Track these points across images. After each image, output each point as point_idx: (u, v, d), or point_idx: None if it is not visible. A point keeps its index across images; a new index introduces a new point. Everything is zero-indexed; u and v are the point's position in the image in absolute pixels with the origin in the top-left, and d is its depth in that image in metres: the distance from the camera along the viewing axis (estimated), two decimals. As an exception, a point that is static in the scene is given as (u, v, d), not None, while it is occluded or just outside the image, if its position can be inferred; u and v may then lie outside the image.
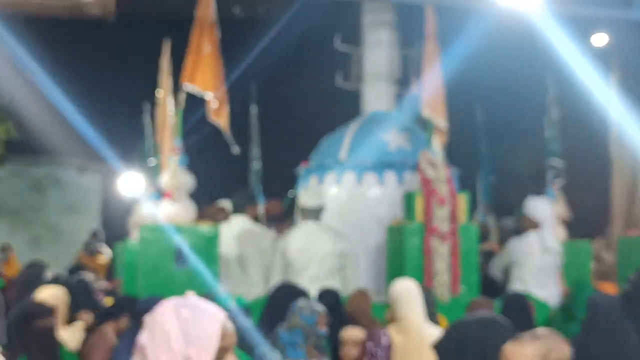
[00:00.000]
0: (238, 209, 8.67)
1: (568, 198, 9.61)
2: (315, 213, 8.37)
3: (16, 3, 7.77)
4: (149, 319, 2.43)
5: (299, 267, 8.09)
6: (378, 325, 6.54)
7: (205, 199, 8.90)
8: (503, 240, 9.41)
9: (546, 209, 8.83)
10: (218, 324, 2.40)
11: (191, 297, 2.55)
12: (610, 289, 8.60)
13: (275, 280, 7.82)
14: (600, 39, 11.56)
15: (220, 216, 9.02)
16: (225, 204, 9.59)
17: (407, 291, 6.09)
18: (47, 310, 5.83)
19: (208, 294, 6.96)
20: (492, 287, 8.61)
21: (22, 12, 8.05)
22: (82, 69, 10.02)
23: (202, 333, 2.36)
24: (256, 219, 8.75)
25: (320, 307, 5.64)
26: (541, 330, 3.06)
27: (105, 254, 12.51)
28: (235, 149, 9.63)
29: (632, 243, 8.68)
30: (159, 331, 2.35)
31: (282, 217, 9.74)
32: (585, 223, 10.44)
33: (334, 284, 7.63)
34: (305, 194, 8.76)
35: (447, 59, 8.90)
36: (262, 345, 5.37)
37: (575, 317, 6.91)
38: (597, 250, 9.74)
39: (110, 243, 12.98)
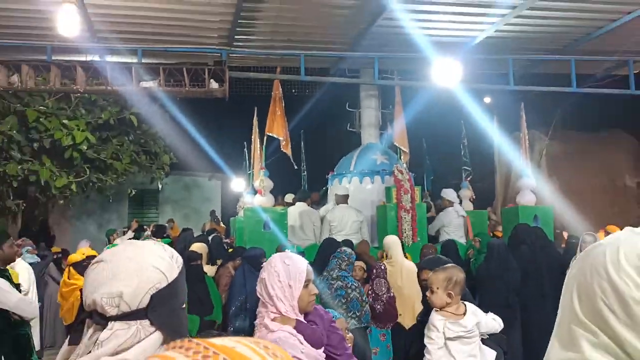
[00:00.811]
0: (298, 199, 8.63)
1: (473, 186, 9.56)
2: (344, 198, 8.38)
3: (175, 91, 7.91)
4: (266, 265, 2.41)
5: (336, 230, 8.07)
6: (374, 259, 6.60)
7: (278, 194, 8.88)
8: (437, 212, 9.32)
9: (453, 194, 8.84)
10: (305, 266, 2.39)
11: (288, 252, 2.57)
12: (499, 235, 8.72)
13: (323, 237, 7.78)
14: (487, 99, 11.46)
15: (285, 204, 9.07)
16: (289, 197, 9.67)
17: (394, 241, 6.34)
18: (197, 256, 5.95)
19: (282, 245, 7.26)
20: (432, 238, 8.62)
21: (178, 95, 8.18)
22: (211, 125, 10.09)
23: (297, 271, 2.34)
24: (308, 204, 8.65)
25: (349, 250, 5.58)
26: (448, 264, 3.00)
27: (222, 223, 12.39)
28: (297, 166, 9.81)
29: (510, 212, 8.60)
30: (273, 271, 2.33)
31: (320, 202, 9.62)
32: (481, 200, 10.39)
33: (355, 237, 7.67)
34: (338, 188, 8.72)
35: (407, 114, 9.03)
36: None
37: (482, 252, 6.92)
38: (489, 215, 9.79)
39: (226, 218, 13.01)
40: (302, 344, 2.25)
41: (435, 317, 2.82)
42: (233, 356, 0.58)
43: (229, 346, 0.60)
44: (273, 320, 2.27)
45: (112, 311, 1.12)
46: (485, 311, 3.00)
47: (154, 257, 1.20)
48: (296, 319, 2.30)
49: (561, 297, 0.92)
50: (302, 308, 2.34)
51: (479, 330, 2.84)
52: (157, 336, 1.16)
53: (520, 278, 6.11)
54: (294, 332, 2.26)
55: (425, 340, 2.83)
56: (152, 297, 1.16)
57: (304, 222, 8.19)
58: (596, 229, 7.26)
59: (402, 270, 5.99)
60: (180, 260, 1.28)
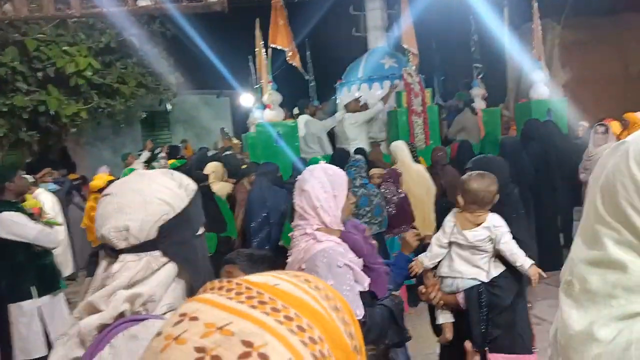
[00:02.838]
0: (300, 111, 8.52)
1: (484, 84, 9.38)
2: (356, 103, 8.17)
3: (174, 7, 7.63)
4: (307, 177, 2.33)
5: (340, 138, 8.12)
6: (388, 164, 6.51)
7: (287, 106, 8.70)
8: (449, 112, 9.19)
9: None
10: (345, 175, 2.37)
11: (325, 163, 2.54)
12: (512, 132, 8.71)
13: (327, 147, 7.89)
14: None
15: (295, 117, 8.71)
16: (295, 109, 9.29)
17: (399, 145, 6.29)
18: (204, 177, 5.74)
19: (295, 161, 7.27)
20: (445, 140, 8.59)
21: (175, 10, 7.90)
22: (214, 40, 9.80)
23: (340, 179, 2.32)
24: (313, 114, 8.55)
25: (362, 157, 5.63)
26: (488, 172, 2.70)
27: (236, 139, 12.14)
28: (307, 76, 9.61)
29: (522, 107, 8.44)
30: (317, 183, 2.28)
31: (332, 113, 9.34)
32: (494, 97, 10.11)
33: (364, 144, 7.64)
34: (347, 97, 8.61)
35: (414, 13, 8.55)
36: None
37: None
38: (502, 112, 9.62)
39: (238, 134, 12.90)
40: (348, 252, 2.26)
41: (448, 219, 2.77)
42: (277, 294, 0.55)
43: (271, 284, 0.57)
44: (317, 230, 2.25)
45: (120, 244, 1.12)
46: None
47: (159, 188, 1.18)
48: (340, 230, 2.29)
49: (585, 199, 0.90)
50: (343, 218, 2.33)
51: (494, 246, 2.66)
52: (171, 267, 1.16)
53: (534, 172, 6.08)
54: (341, 241, 2.26)
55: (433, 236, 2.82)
56: (160, 228, 1.14)
57: (307, 134, 8.08)
58: (612, 118, 7.14)
59: (410, 173, 5.96)
60: (191, 187, 1.24)
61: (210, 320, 0.52)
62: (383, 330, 2.35)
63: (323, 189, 2.26)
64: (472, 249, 2.66)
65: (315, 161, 6.70)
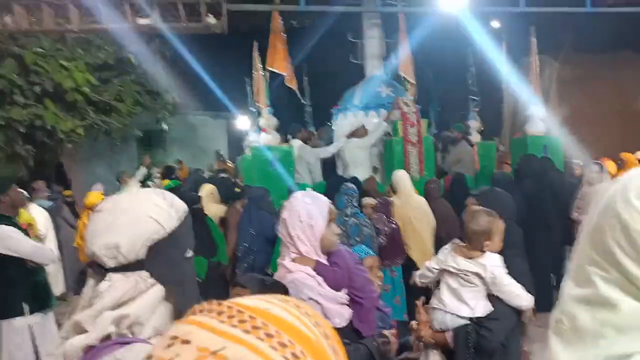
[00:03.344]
0: (291, 136, 8.48)
1: (481, 116, 9.36)
2: (364, 131, 8.23)
3: (173, 27, 7.68)
4: (287, 204, 2.30)
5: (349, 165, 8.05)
6: (381, 194, 6.49)
7: (284, 131, 8.65)
8: (444, 144, 9.11)
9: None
10: (327, 205, 2.29)
11: (310, 191, 2.46)
12: (506, 167, 8.47)
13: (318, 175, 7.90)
14: (495, 23, 11.00)
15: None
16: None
17: (401, 175, 6.27)
18: (197, 199, 5.74)
19: (290, 186, 7.17)
20: (439, 172, 8.50)
21: (177, 32, 7.95)
22: (212, 62, 9.76)
23: (318, 210, 2.24)
24: (306, 140, 8.50)
25: (353, 185, 5.53)
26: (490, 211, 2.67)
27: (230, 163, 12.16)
28: (304, 100, 9.60)
29: (518, 142, 8.43)
30: (294, 211, 2.23)
31: (326, 138, 9.38)
32: (489, 130, 10.16)
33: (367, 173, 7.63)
34: (344, 123, 8.58)
35: (412, 43, 8.58)
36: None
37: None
38: (497, 146, 9.53)
39: (232, 157, 12.79)
40: (320, 285, 2.17)
41: (445, 247, 2.74)
42: (269, 319, 0.54)
43: (262, 308, 0.56)
44: (293, 260, 2.20)
45: (110, 262, 1.12)
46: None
47: (151, 206, 1.17)
48: (316, 260, 2.21)
49: (578, 242, 0.90)
50: (326, 248, 2.25)
51: (487, 286, 2.60)
52: (158, 289, 1.15)
53: (526, 210, 5.98)
54: (313, 273, 2.18)
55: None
56: (149, 248, 1.14)
57: (297, 160, 8.02)
58: (608, 156, 7.09)
59: (410, 203, 5.91)
60: (182, 208, 1.24)
61: (204, 345, 0.50)
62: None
63: (299, 218, 2.20)
64: (461, 279, 2.59)
65: (303, 188, 6.73)
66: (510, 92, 10.05)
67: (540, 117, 8.19)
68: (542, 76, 9.53)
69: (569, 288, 0.88)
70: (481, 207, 2.73)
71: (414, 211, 5.84)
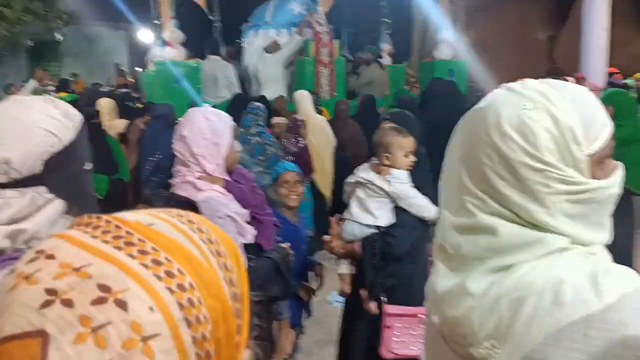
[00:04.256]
0: (210, 51, 8.08)
1: (392, 40, 9.38)
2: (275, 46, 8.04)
3: None
4: (185, 121, 2.18)
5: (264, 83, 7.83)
6: (291, 114, 6.27)
7: (189, 46, 8.19)
8: (355, 65, 9.00)
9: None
10: (230, 122, 2.21)
11: (209, 107, 2.34)
12: (415, 91, 8.50)
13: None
14: None
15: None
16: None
17: (302, 95, 6.19)
18: (94, 113, 5.30)
19: (194, 101, 6.99)
20: (350, 93, 8.43)
21: None
22: None
23: (223, 127, 2.17)
24: (222, 56, 8.20)
25: (262, 105, 5.37)
26: (398, 127, 2.74)
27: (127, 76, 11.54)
28: (212, 16, 9.13)
29: (426, 66, 8.55)
30: (196, 128, 2.13)
31: (236, 57, 8.94)
32: (400, 54, 10.06)
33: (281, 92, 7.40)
34: (254, 41, 8.30)
35: None
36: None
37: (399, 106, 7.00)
38: (406, 69, 9.64)
39: (134, 71, 12.02)
40: (232, 202, 2.14)
41: (365, 164, 2.76)
42: (149, 236, 0.49)
43: (145, 223, 0.51)
44: (199, 179, 2.12)
45: (1, 179, 1.03)
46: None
47: (43, 117, 1.06)
48: (224, 179, 2.16)
49: (445, 164, 0.94)
50: (228, 167, 2.19)
51: (393, 198, 2.65)
52: (58, 203, 1.08)
53: (430, 132, 6.22)
54: (224, 191, 2.13)
55: None
56: (45, 162, 1.05)
57: (217, 77, 7.75)
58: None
59: (310, 124, 5.84)
60: (78, 118, 1.14)
61: (68, 260, 0.46)
62: (265, 284, 2.26)
63: (202, 135, 2.12)
64: (368, 189, 2.66)
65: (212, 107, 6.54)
66: (420, 16, 10.08)
67: (449, 42, 8.34)
68: (452, 2, 9.62)
69: (447, 217, 0.90)
70: (390, 124, 2.75)
71: (314, 131, 5.82)
